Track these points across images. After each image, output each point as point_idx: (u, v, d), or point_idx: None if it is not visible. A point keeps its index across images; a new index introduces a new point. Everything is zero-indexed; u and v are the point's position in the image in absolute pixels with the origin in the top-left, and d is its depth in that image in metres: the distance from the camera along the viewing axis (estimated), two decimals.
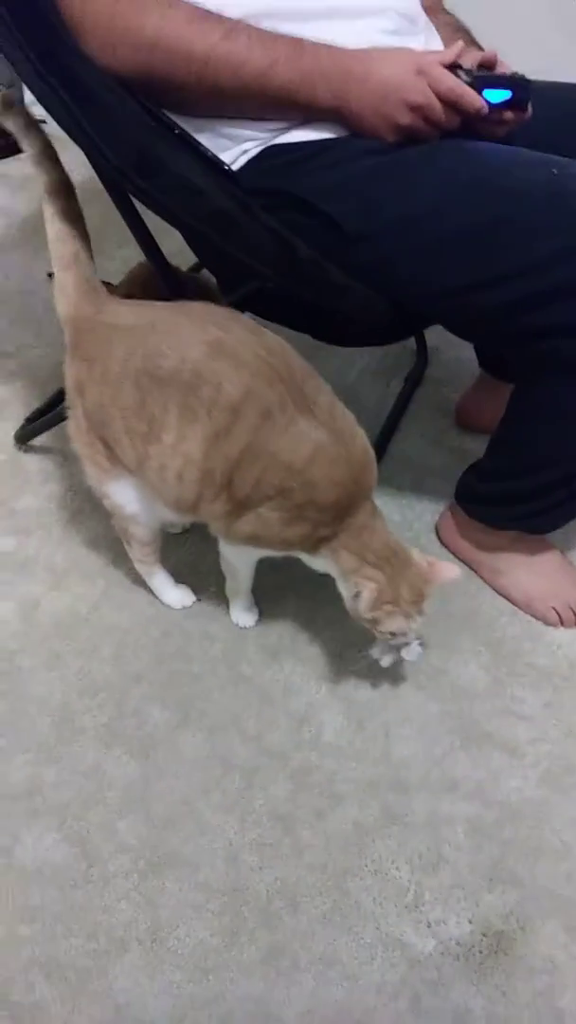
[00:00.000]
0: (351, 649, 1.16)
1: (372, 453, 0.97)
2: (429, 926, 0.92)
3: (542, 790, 1.03)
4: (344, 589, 1.00)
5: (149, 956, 0.89)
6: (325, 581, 1.14)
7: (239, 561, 1.11)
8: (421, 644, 1.08)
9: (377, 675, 1.14)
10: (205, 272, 1.35)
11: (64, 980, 0.87)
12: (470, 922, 0.92)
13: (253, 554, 1.08)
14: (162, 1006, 0.86)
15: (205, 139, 0.99)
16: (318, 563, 1.01)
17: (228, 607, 1.19)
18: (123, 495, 1.04)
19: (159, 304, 1.00)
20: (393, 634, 0.99)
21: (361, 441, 0.96)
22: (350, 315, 1.03)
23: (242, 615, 1.19)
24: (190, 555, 1.26)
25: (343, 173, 0.98)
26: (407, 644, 1.05)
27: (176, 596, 1.20)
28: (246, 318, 0.99)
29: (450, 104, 0.94)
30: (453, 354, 1.69)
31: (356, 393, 1.35)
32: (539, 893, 0.95)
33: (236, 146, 1.00)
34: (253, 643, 1.17)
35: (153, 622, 1.18)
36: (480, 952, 0.90)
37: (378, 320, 1.06)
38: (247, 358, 0.90)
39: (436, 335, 1.64)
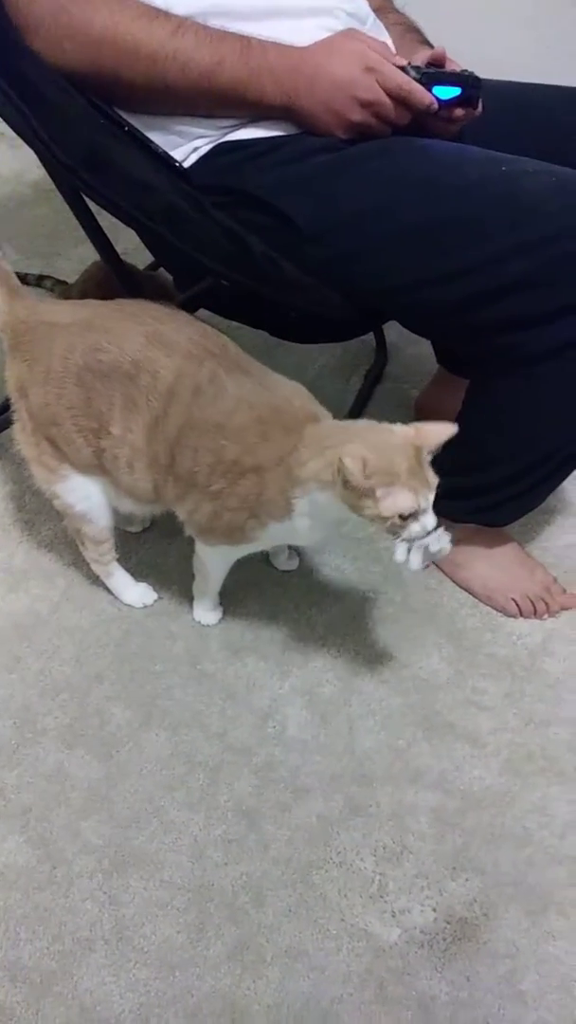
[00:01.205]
0: (314, 644, 1.17)
1: (303, 388, 0.98)
2: (394, 916, 0.93)
3: (503, 778, 1.04)
4: (341, 499, 0.87)
5: (115, 955, 0.89)
6: (286, 579, 1.15)
7: (213, 563, 1.11)
8: (445, 530, 0.95)
9: (340, 669, 1.14)
10: (163, 270, 1.35)
11: (28, 983, 0.86)
12: (434, 910, 0.93)
13: (229, 555, 1.08)
14: (128, 1004, 0.86)
15: (156, 136, 0.99)
16: (303, 519, 0.92)
17: (190, 605, 1.19)
18: (72, 495, 1.04)
19: (93, 302, 1.01)
20: (404, 519, 0.86)
21: (288, 383, 0.97)
22: (306, 312, 1.04)
23: (206, 614, 1.19)
24: (150, 554, 1.26)
25: (296, 170, 0.98)
26: (427, 534, 0.90)
27: (136, 594, 1.19)
28: (181, 312, 1.01)
29: (400, 101, 0.95)
30: (412, 350, 1.70)
31: (316, 390, 1.34)
32: (501, 880, 0.96)
33: (187, 143, 1.00)
34: (216, 640, 1.17)
35: (114, 622, 1.18)
36: (444, 940, 0.92)
37: (334, 316, 1.06)
38: (180, 343, 0.93)
39: (395, 332, 1.66)
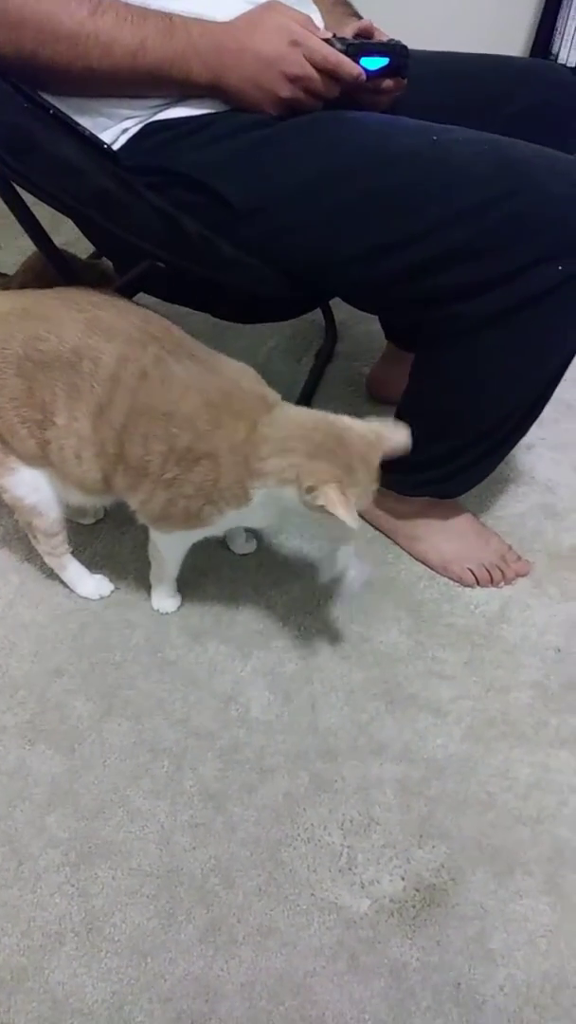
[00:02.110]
0: (274, 625, 1.17)
1: (250, 369, 0.98)
2: (363, 887, 0.94)
3: (466, 745, 1.06)
4: (301, 501, 0.89)
5: (85, 946, 0.89)
6: (244, 563, 1.14)
7: (169, 550, 1.10)
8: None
9: (302, 648, 1.15)
10: (106, 259, 1.33)
11: None
12: (402, 879, 0.94)
13: (185, 540, 1.08)
14: (101, 994, 0.86)
15: (83, 118, 0.97)
16: (261, 508, 0.93)
17: (148, 594, 1.19)
18: (22, 487, 1.02)
19: (31, 291, 1.00)
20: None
21: (236, 364, 0.97)
22: (246, 291, 1.03)
23: (165, 601, 1.18)
24: (105, 545, 1.25)
25: (227, 148, 0.97)
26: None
27: (92, 586, 1.18)
28: (121, 298, 1.00)
29: (327, 73, 0.94)
30: (362, 328, 1.70)
31: (268, 371, 1.34)
32: (467, 844, 0.97)
33: (115, 124, 0.99)
34: (175, 627, 1.16)
35: (71, 615, 1.17)
36: (413, 907, 0.93)
37: (275, 295, 1.06)
38: (121, 328, 0.92)
39: (344, 310, 1.66)
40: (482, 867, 0.95)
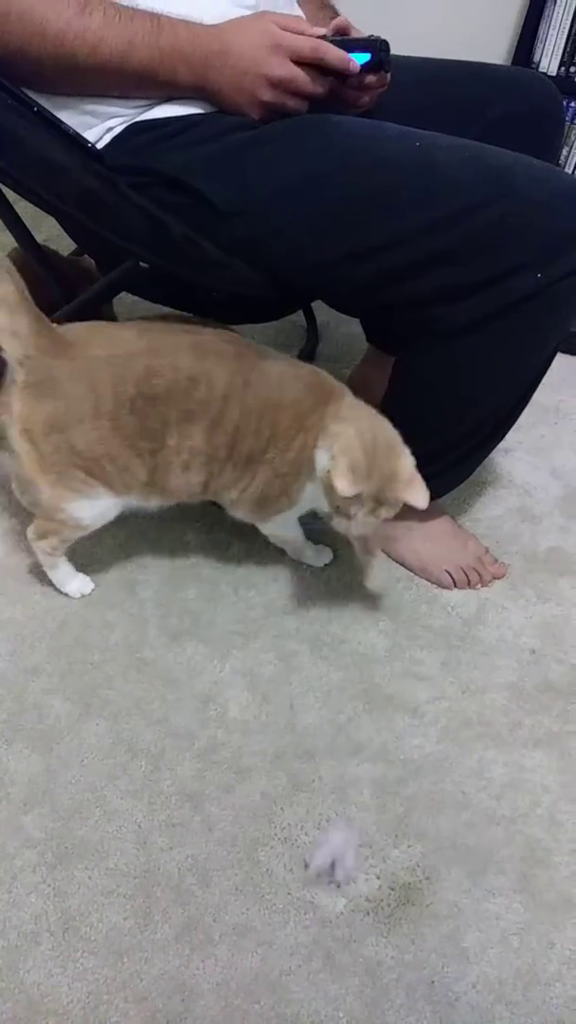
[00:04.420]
0: (253, 626, 1.17)
1: (318, 370, 1.08)
2: (339, 886, 0.94)
3: (442, 746, 1.07)
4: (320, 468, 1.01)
5: (61, 946, 0.88)
6: (224, 564, 1.14)
7: (282, 530, 1.17)
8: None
9: (280, 649, 1.15)
10: (87, 257, 1.33)
11: None
12: (378, 878, 0.95)
13: (286, 521, 1.14)
14: (77, 994, 0.86)
15: (67, 117, 0.97)
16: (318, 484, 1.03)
17: (126, 593, 1.18)
18: (89, 512, 1.06)
19: (109, 329, 1.03)
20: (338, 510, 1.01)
21: (305, 366, 1.08)
22: (229, 292, 1.03)
23: (318, 556, 1.25)
24: (85, 544, 1.25)
25: (212, 149, 0.97)
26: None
27: (77, 585, 1.18)
28: (191, 317, 1.10)
29: (315, 64, 0.94)
30: (344, 330, 1.71)
31: None
32: (443, 844, 0.98)
33: (100, 123, 0.99)
34: (154, 627, 1.16)
35: (49, 614, 1.16)
36: (388, 906, 0.93)
37: (258, 296, 1.06)
38: (219, 347, 0.99)
39: (326, 312, 1.66)
40: (457, 866, 0.97)
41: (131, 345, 0.98)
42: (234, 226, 0.98)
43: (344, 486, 0.93)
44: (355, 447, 0.96)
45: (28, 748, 1.03)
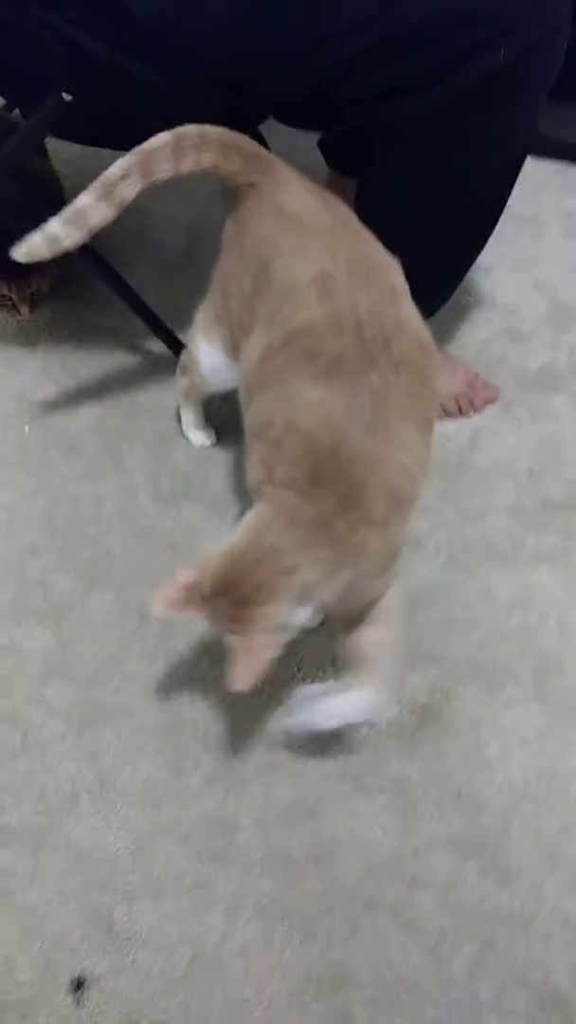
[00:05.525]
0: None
1: None
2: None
3: (447, 572, 1.07)
4: None
5: (101, 802, 0.92)
6: (218, 423, 1.11)
7: None
8: None
9: None
10: (18, 113, 1.20)
11: (21, 842, 0.89)
12: (397, 703, 0.97)
13: None
14: (122, 841, 0.90)
15: None
16: None
17: (113, 467, 1.15)
18: (206, 359, 1.00)
19: (312, 200, 0.93)
20: None
21: None
22: (161, 117, 0.94)
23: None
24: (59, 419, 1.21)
25: None
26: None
27: (196, 436, 1.18)
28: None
29: None
30: (300, 160, 1.58)
31: (207, 217, 1.26)
32: (457, 664, 1.00)
33: None
34: (145, 494, 1.14)
35: (37, 493, 1.14)
36: (411, 727, 0.96)
37: (195, 119, 0.96)
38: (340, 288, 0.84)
39: (280, 142, 1.53)
40: (472, 683, 0.99)
41: (294, 223, 0.89)
42: (159, 37, 0.87)
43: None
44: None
45: (39, 627, 1.03)
